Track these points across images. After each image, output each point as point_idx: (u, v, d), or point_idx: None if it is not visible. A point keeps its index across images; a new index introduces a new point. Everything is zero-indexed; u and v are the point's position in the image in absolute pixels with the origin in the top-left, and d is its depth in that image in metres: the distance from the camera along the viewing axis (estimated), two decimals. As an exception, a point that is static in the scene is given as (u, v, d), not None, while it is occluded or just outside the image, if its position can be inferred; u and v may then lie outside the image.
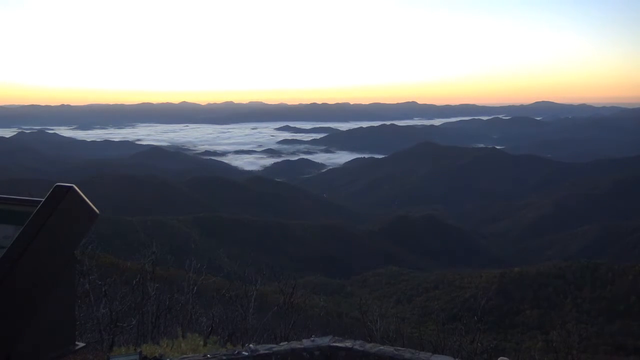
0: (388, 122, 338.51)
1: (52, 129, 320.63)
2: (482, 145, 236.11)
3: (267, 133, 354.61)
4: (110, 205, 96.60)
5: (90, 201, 2.60)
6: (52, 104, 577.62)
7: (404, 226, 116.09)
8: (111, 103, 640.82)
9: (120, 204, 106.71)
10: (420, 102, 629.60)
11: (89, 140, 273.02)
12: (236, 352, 6.48)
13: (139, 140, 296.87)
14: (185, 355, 6.59)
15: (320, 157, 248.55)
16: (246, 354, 6.32)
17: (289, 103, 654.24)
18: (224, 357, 6.29)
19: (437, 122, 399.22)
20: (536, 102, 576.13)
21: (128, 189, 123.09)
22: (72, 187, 2.51)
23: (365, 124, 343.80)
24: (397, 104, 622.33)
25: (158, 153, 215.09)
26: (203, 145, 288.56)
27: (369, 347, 6.62)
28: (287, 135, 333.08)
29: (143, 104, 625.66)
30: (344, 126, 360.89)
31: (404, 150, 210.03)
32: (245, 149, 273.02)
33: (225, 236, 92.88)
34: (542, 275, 61.48)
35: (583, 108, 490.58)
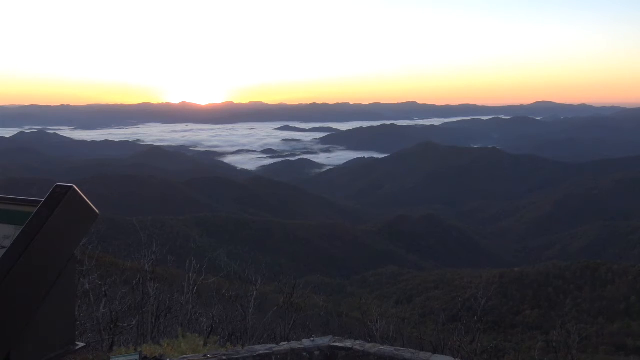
0: (388, 122, 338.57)
1: (52, 129, 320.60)
2: (482, 145, 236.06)
3: (267, 133, 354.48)
4: (110, 205, 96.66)
5: (90, 201, 2.60)
6: (52, 104, 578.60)
7: (404, 226, 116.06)
8: (111, 103, 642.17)
9: (120, 204, 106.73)
10: (420, 102, 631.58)
11: (89, 140, 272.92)
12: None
13: (139, 140, 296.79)
14: (185, 355, 6.59)
15: (320, 157, 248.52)
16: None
17: (289, 103, 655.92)
18: (224, 357, 6.29)
19: (437, 122, 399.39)
20: (536, 102, 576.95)
21: (128, 189, 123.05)
22: (72, 187, 2.50)
23: (365, 124, 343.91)
24: (397, 104, 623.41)
25: (158, 153, 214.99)
26: (203, 145, 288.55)
27: (369, 347, 6.62)
28: (287, 135, 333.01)
29: (143, 104, 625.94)
30: (344, 126, 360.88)
31: (404, 150, 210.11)
32: (244, 149, 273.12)
33: (225, 236, 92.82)
34: (542, 275, 61.39)
35: (583, 108, 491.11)
